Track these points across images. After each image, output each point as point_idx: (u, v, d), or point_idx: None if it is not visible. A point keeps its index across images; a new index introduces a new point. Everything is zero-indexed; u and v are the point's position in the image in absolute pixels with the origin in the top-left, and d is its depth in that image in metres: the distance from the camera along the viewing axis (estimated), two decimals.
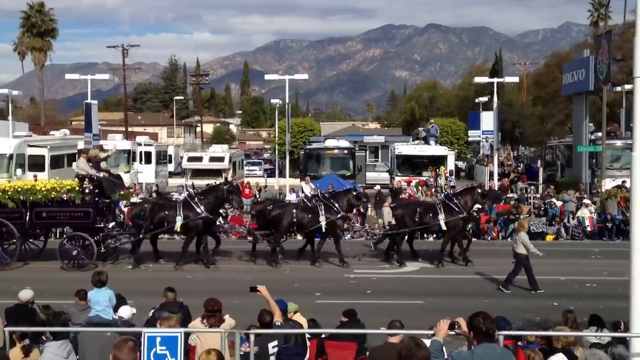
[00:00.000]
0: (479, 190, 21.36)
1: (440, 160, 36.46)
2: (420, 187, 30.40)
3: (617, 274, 16.66)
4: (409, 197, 27.49)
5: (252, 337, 7.68)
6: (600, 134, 35.48)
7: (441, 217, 20.06)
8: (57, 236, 23.40)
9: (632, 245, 7.29)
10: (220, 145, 45.56)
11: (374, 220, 27.15)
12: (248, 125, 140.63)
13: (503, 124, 44.77)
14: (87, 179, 19.51)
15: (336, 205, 20.15)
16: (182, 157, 44.73)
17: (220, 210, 21.11)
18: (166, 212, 19.92)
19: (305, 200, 21.48)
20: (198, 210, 19.66)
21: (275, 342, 8.56)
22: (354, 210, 21.57)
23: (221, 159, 38.54)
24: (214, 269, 19.48)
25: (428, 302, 15.50)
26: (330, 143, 38.59)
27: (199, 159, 39.37)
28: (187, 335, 8.34)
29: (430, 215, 20.35)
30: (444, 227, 20.20)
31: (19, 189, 19.40)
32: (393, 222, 21.41)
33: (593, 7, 62.91)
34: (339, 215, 20.19)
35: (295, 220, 20.09)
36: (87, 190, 19.33)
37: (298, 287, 16.50)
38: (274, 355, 8.53)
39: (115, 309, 10.27)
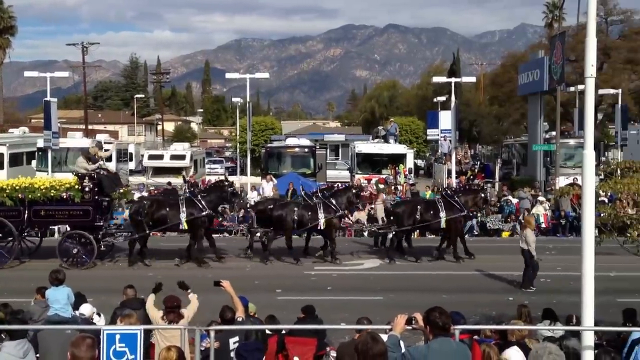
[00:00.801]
0: (482, 195, 21.49)
1: (400, 158, 36.82)
2: (380, 185, 30.70)
3: (571, 269, 17.08)
4: (370, 195, 27.79)
5: (212, 333, 7.72)
6: (554, 133, 36.23)
7: (442, 215, 20.22)
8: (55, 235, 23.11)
9: (583, 241, 7.53)
10: (182, 144, 45.25)
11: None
12: (209, 124, 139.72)
13: (461, 123, 45.42)
14: (87, 177, 19.32)
15: (334, 203, 20.29)
16: (143, 155, 44.30)
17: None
18: (167, 210, 19.81)
19: (306, 199, 21.52)
20: (201, 207, 19.68)
21: (237, 338, 8.61)
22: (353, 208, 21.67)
23: (182, 157, 38.32)
24: (205, 266, 19.37)
25: (387, 298, 15.68)
26: (291, 142, 38.65)
27: (160, 157, 39.08)
28: (148, 332, 8.34)
29: (432, 212, 20.48)
30: (443, 225, 20.37)
31: (17, 187, 19.11)
32: (383, 217, 21.57)
33: (548, 9, 64.15)
34: (337, 214, 20.33)
35: (296, 218, 20.20)
36: (87, 189, 19.16)
37: (259, 284, 16.54)
38: (234, 351, 8.59)
39: (76, 307, 10.20)
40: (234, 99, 51.89)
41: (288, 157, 36.86)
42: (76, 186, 19.23)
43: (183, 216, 19.50)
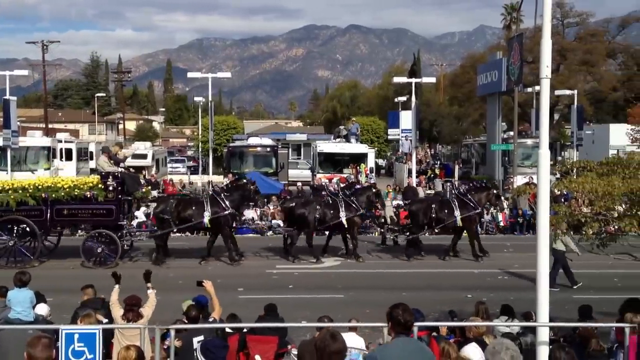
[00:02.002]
0: (494, 192, 21.64)
1: (361, 158, 37.00)
2: (341, 184, 30.78)
3: (528, 266, 17.41)
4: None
5: (172, 332, 7.69)
6: (512, 133, 36.85)
7: (457, 214, 20.34)
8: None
9: (538, 239, 7.69)
10: (143, 143, 44.77)
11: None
12: (171, 123, 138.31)
13: (421, 123, 45.88)
14: (110, 176, 19.14)
15: (356, 202, 20.37)
16: None
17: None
18: (193, 208, 19.75)
19: (329, 197, 21.47)
20: (224, 206, 19.68)
21: (201, 337, 8.58)
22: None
23: (144, 156, 37.98)
24: (236, 264, 19.48)
25: (348, 296, 15.79)
26: (253, 141, 38.55)
27: None
28: (108, 331, 8.27)
29: (446, 211, 20.58)
30: (459, 223, 20.45)
31: (40, 186, 18.84)
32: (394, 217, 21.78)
33: (506, 11, 65.10)
34: (358, 212, 20.40)
35: (318, 216, 20.25)
36: (110, 188, 18.96)
37: (221, 283, 16.31)
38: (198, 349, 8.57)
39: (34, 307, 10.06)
40: (196, 98, 51.50)
41: (250, 156, 36.76)
42: (99, 185, 19.06)
43: (207, 215, 19.51)
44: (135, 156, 37.93)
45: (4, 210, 18.73)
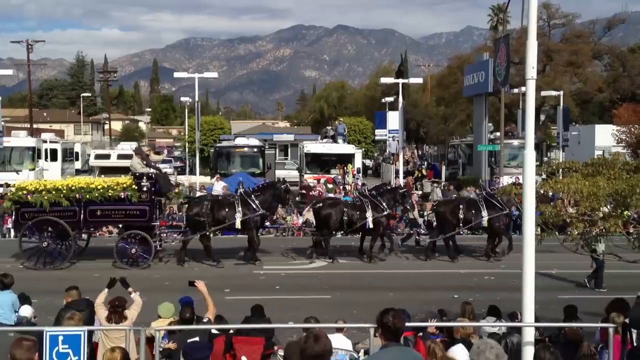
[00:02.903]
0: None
1: (348, 158, 37.03)
2: (328, 185, 30.82)
3: (514, 266, 17.49)
4: (318, 194, 27.87)
5: (157, 334, 7.65)
6: (498, 133, 37.01)
7: (484, 214, 20.33)
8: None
9: (524, 239, 7.73)
10: (129, 143, 44.58)
11: None
12: (158, 123, 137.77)
13: (408, 124, 46.05)
14: (145, 177, 19.09)
15: (383, 202, 20.32)
16: (89, 155, 43.46)
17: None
18: (226, 210, 19.68)
19: (358, 197, 21.42)
20: (255, 207, 19.63)
21: (197, 339, 8.53)
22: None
23: (130, 157, 37.65)
24: (259, 264, 19.53)
25: (335, 297, 15.78)
26: (240, 141, 38.46)
27: (107, 157, 38.45)
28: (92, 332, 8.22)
29: (473, 212, 20.56)
30: (485, 224, 20.42)
31: (74, 187, 18.73)
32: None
33: (493, 12, 65.45)
34: (384, 213, 20.35)
35: (345, 218, 20.17)
36: (144, 188, 18.91)
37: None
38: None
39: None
40: (182, 99, 51.36)
41: (237, 156, 36.68)
42: (133, 186, 19.00)
43: (239, 216, 19.47)
44: (121, 157, 37.71)
45: (37, 211, 18.61)
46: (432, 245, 20.93)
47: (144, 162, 19.82)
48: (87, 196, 18.66)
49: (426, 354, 7.59)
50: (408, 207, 22.08)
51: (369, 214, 20.03)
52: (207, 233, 19.72)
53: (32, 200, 18.50)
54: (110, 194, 18.71)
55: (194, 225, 19.79)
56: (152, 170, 19.68)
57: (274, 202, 20.64)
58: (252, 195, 19.97)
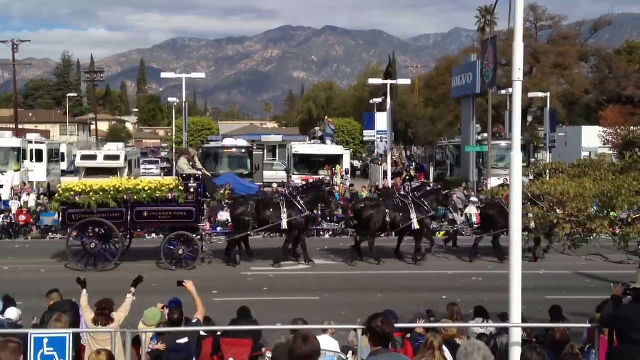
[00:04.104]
0: None
1: (336, 159, 37.08)
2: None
3: (501, 267, 17.62)
4: None
5: (143, 336, 7.59)
6: (486, 134, 37.16)
7: (413, 216, 20.26)
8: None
9: (510, 240, 7.74)
10: (116, 144, 44.25)
11: None
12: (145, 124, 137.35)
13: (396, 125, 46.04)
14: (192, 178, 19.09)
15: (426, 204, 20.33)
16: (75, 156, 43.12)
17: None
18: (271, 210, 19.72)
19: (400, 199, 21.26)
20: (300, 208, 19.66)
21: (186, 339, 8.47)
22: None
23: (116, 158, 37.46)
24: (312, 265, 19.63)
25: (324, 298, 15.78)
26: (228, 142, 38.39)
27: (93, 157, 38.06)
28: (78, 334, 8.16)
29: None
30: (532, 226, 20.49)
31: (121, 189, 18.70)
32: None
33: (480, 14, 65.75)
34: (429, 214, 20.39)
35: (388, 219, 20.12)
36: (191, 189, 18.92)
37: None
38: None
39: (4, 311, 9.90)
40: (170, 99, 51.16)
41: (225, 157, 36.61)
42: (179, 187, 18.98)
43: (284, 217, 19.48)
44: (107, 157, 37.43)
45: (84, 212, 18.58)
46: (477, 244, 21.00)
47: (191, 164, 19.93)
48: (135, 197, 18.70)
49: (424, 346, 7.62)
50: (450, 208, 22.13)
51: (414, 216, 19.99)
52: (251, 233, 20.00)
53: (80, 202, 18.53)
54: (158, 195, 18.76)
55: (240, 226, 19.87)
56: (199, 171, 19.80)
57: (317, 203, 20.80)
58: (298, 197, 20.07)
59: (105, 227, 18.93)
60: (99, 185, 19.14)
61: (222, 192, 21.18)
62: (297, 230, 19.99)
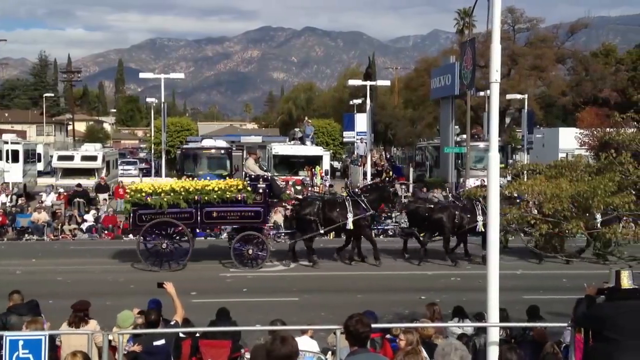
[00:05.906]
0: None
1: (316, 160, 37.07)
2: (297, 186, 30.78)
3: (480, 267, 17.74)
4: None
5: (120, 338, 7.52)
6: (465, 136, 37.37)
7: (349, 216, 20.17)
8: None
9: (488, 241, 7.77)
10: (93, 144, 43.92)
11: None
12: (123, 124, 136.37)
13: (376, 126, 46.27)
14: (261, 179, 19.15)
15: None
16: (52, 156, 42.68)
17: None
18: (337, 210, 19.73)
19: (465, 201, 21.11)
20: (365, 206, 19.68)
21: (163, 341, 8.41)
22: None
23: (94, 158, 37.16)
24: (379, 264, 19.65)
25: (303, 299, 15.75)
26: (207, 143, 38.19)
27: (70, 158, 37.71)
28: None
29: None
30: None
31: (192, 189, 18.73)
32: None
33: (459, 16, 66.07)
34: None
35: (457, 221, 20.12)
36: (260, 190, 18.93)
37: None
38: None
39: None
40: (148, 99, 50.78)
41: (204, 158, 36.40)
42: (247, 188, 19.01)
43: (350, 216, 19.46)
44: (85, 158, 37.09)
45: (154, 213, 18.59)
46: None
47: (258, 165, 20.00)
48: (206, 198, 18.75)
49: (406, 344, 7.64)
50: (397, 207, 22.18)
51: (480, 218, 19.78)
52: (316, 233, 19.95)
53: (151, 203, 18.56)
54: (228, 196, 18.81)
55: (306, 226, 19.90)
56: (267, 172, 19.95)
57: (381, 203, 20.84)
58: (362, 196, 20.12)
59: (174, 228, 18.96)
60: (169, 186, 19.36)
61: (287, 193, 21.27)
62: (366, 229, 20.14)
